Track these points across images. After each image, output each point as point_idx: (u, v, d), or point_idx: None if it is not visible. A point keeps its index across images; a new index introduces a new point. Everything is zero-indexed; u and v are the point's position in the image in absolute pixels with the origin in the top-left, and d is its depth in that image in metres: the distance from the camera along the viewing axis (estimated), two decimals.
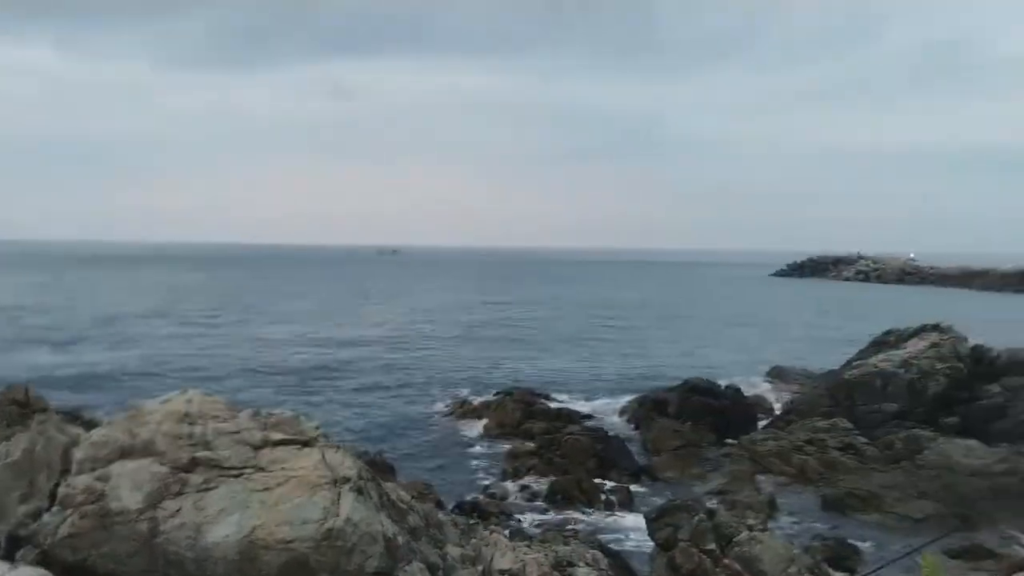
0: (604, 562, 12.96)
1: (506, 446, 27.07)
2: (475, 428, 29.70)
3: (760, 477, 24.32)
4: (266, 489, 11.00)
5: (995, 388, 27.88)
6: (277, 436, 11.97)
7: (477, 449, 27.44)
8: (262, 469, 11.36)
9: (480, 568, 11.06)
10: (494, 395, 33.44)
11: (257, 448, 11.71)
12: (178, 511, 10.85)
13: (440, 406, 33.23)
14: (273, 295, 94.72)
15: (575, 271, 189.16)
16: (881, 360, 29.00)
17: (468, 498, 21.75)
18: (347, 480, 11.15)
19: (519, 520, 20.20)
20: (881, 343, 31.34)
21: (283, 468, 11.32)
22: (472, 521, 19.11)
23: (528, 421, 29.30)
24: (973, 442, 24.00)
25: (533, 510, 21.33)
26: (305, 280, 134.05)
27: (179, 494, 11.06)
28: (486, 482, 23.69)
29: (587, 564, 12.54)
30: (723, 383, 32.42)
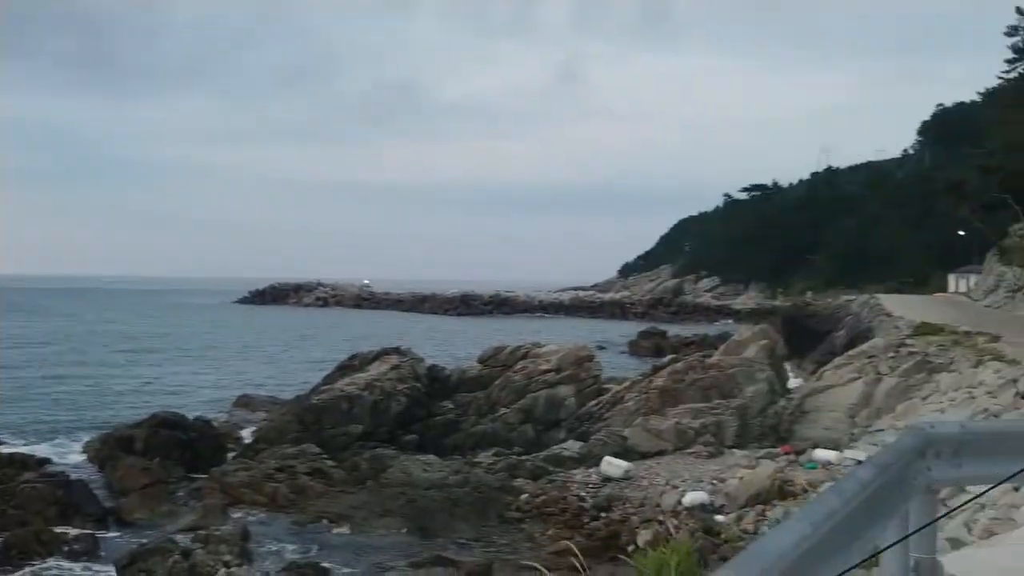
0: None
1: None
2: None
3: (232, 509, 23.94)
4: None
5: (448, 404, 30.56)
6: None
7: None
8: None
9: None
10: None
11: None
12: None
13: None
14: None
15: (17, 299, 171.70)
16: (347, 384, 30.27)
17: None
18: None
19: None
20: (346, 367, 32.68)
21: None
22: None
23: None
24: (430, 457, 26.00)
25: None
26: None
27: None
28: None
29: None
30: (191, 415, 31.53)
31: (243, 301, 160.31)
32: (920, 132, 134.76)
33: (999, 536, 6.38)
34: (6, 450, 29.09)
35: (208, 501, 24.31)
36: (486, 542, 21.69)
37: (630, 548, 20.57)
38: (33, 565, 19.44)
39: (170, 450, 27.93)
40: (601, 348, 59.90)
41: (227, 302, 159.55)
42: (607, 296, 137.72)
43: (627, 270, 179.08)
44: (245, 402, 38.98)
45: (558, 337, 50.85)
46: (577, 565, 19.63)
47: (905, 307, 54.05)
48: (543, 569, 9.05)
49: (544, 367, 31.42)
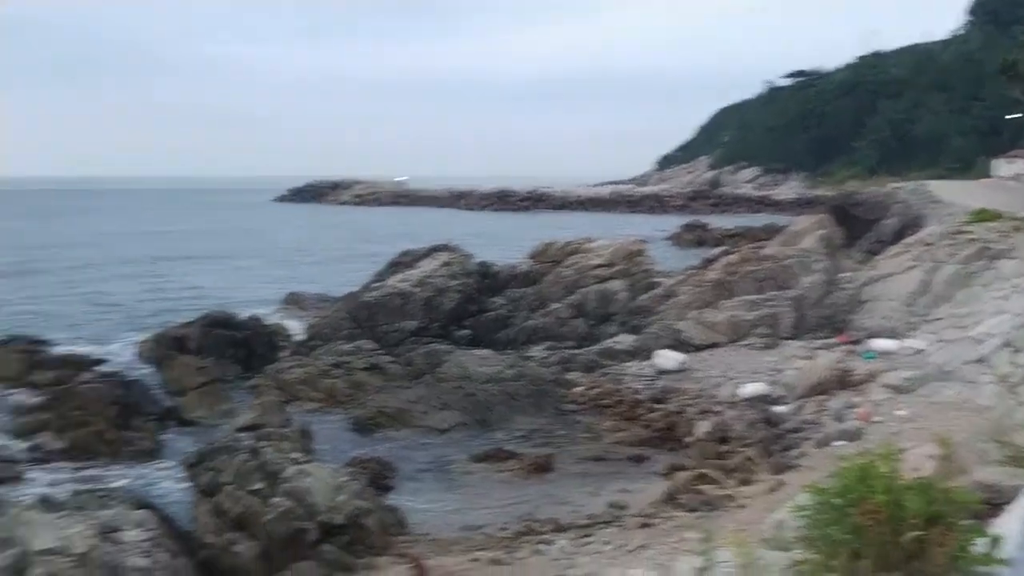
0: (154, 520, 11.96)
1: (11, 404, 23.95)
2: None
3: (290, 406, 24.04)
4: None
5: (500, 300, 30.44)
6: None
7: None
8: None
9: (15, 551, 9.57)
10: None
11: None
12: None
13: None
14: None
15: (52, 202, 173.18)
16: (399, 280, 30.19)
17: None
18: None
19: (38, 484, 18.08)
20: (397, 264, 32.55)
21: None
22: None
23: (33, 372, 26.19)
24: (486, 351, 25.96)
25: (52, 471, 19.17)
26: None
27: None
28: None
29: (135, 526, 11.48)
30: (241, 314, 31.57)
31: (282, 199, 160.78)
32: (970, 12, 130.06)
33: None
34: (60, 350, 29.34)
35: (265, 399, 24.38)
36: (544, 434, 21.73)
37: (687, 440, 20.61)
38: (99, 465, 19.69)
39: (224, 349, 28.05)
40: (643, 242, 59.26)
41: (265, 200, 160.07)
42: (646, 189, 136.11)
43: (665, 162, 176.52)
44: (294, 300, 38.99)
45: (598, 232, 50.34)
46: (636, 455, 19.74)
47: (955, 193, 52.82)
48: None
49: (595, 262, 31.12)
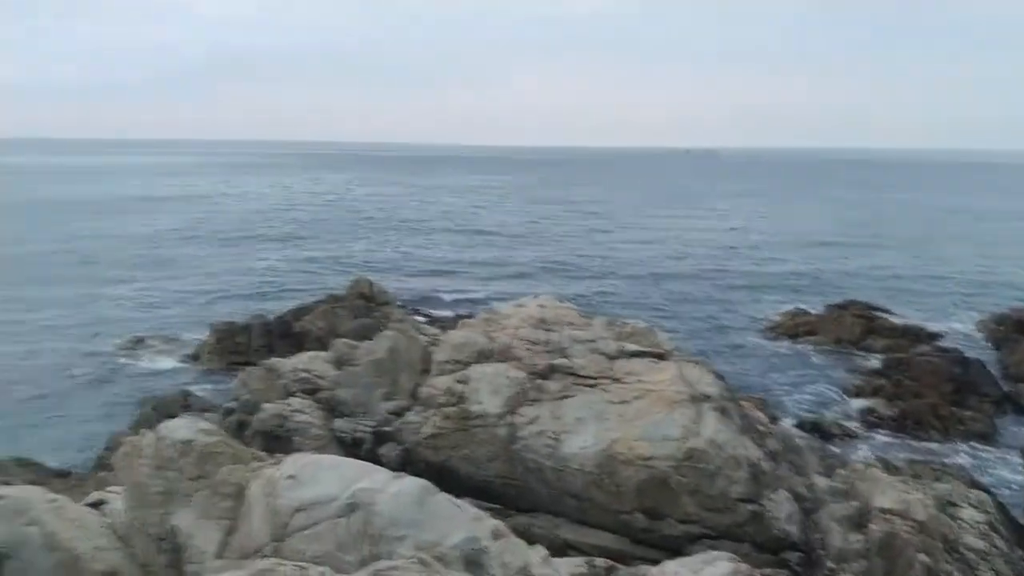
0: (990, 504, 11.50)
1: (846, 363, 25.34)
2: (809, 341, 28.06)
3: None
4: (623, 402, 10.53)
5: None
6: (632, 347, 11.46)
7: (812, 363, 25.86)
8: (618, 380, 10.90)
9: (855, 504, 10.04)
10: (827, 307, 31.35)
11: (612, 358, 11.26)
12: (536, 418, 10.64)
13: (770, 316, 31.74)
14: (577, 198, 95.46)
15: (908, 173, 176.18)
16: None
17: (808, 416, 20.55)
18: (708, 398, 10.45)
19: (870, 444, 18.83)
20: None
21: (639, 381, 10.80)
22: (825, 443, 17.98)
23: (869, 337, 27.24)
24: None
25: (880, 435, 19.75)
26: (608, 182, 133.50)
27: (536, 400, 10.85)
28: (825, 400, 22.25)
29: (971, 506, 11.18)
30: None
31: None
32: None
33: None
34: (898, 321, 29.79)
35: None
36: None
37: None
38: (928, 438, 19.64)
39: None
40: None
41: None
42: None
43: None
44: None
45: None
46: None
47: None
48: None
49: None
